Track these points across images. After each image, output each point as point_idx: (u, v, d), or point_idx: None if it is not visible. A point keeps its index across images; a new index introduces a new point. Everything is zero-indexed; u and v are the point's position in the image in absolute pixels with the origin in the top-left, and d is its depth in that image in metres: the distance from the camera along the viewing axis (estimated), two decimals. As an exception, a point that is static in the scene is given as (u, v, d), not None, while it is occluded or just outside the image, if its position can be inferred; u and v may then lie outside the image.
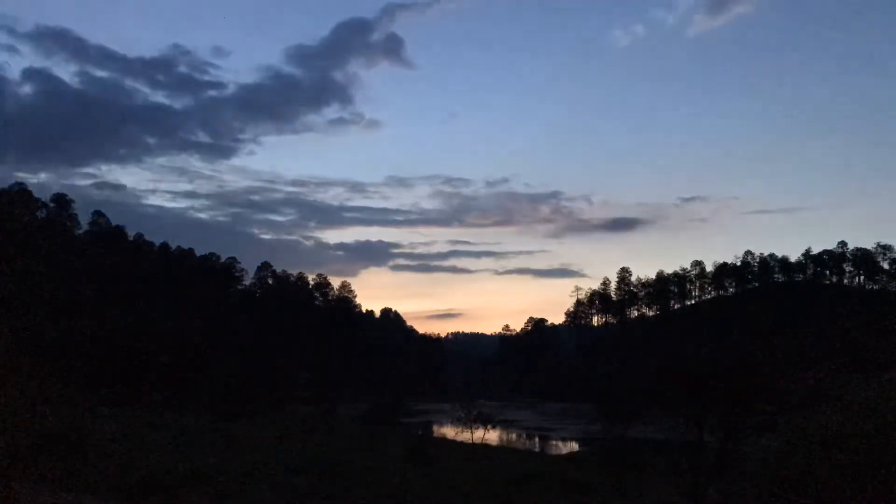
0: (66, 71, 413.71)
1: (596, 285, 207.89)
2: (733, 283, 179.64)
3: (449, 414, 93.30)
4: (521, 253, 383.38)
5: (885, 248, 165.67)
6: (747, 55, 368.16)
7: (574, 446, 73.43)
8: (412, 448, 37.71)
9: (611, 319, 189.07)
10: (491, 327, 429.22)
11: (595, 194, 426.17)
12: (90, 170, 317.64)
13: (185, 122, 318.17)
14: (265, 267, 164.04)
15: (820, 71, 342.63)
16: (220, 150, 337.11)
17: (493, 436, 74.01)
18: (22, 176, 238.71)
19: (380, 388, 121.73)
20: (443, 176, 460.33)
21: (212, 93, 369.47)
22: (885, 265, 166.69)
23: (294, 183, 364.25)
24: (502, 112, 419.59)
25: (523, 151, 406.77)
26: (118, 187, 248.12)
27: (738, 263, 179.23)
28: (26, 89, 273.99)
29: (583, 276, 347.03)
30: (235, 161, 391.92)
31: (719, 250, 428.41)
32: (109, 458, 18.82)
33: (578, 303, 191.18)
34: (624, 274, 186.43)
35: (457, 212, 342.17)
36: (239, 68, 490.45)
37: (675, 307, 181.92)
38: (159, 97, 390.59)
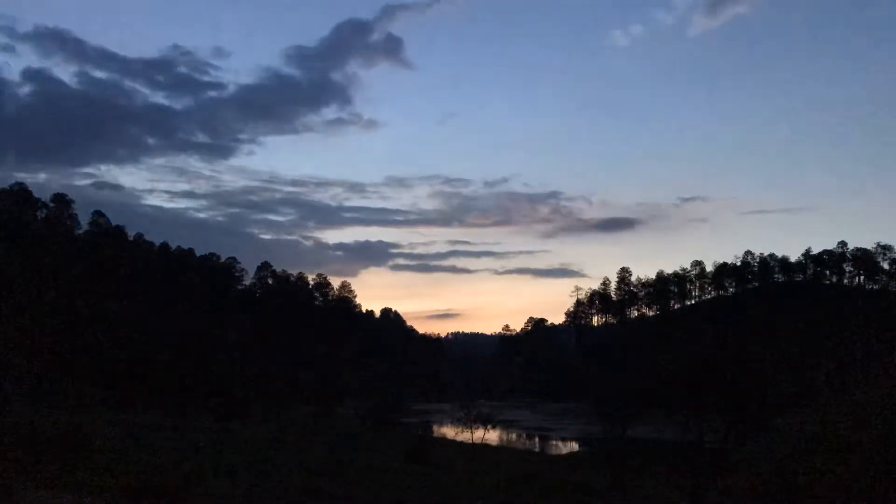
0: (65, 71, 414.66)
1: (596, 285, 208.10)
2: (733, 283, 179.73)
3: (449, 414, 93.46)
4: (520, 253, 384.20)
5: (885, 248, 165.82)
6: (747, 55, 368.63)
7: (574, 446, 73.45)
8: (412, 448, 37.70)
9: (611, 319, 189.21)
10: (491, 327, 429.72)
11: (595, 194, 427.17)
12: (89, 170, 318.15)
13: (184, 122, 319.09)
14: (265, 267, 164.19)
15: (819, 71, 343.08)
16: (219, 150, 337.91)
17: (493, 436, 74.04)
18: (21, 176, 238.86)
19: (380, 389, 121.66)
20: (442, 176, 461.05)
21: (211, 93, 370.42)
22: (885, 265, 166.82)
23: (293, 183, 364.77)
24: (501, 112, 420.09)
25: (523, 151, 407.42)
26: (117, 187, 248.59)
27: (738, 263, 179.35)
28: (26, 90, 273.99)
29: (583, 276, 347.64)
30: (235, 161, 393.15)
31: (719, 250, 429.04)
32: (110, 458, 18.82)
33: (578, 303, 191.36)
34: (624, 274, 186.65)
35: (456, 212, 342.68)
36: (238, 69, 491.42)
37: (675, 307, 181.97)
38: (158, 98, 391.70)
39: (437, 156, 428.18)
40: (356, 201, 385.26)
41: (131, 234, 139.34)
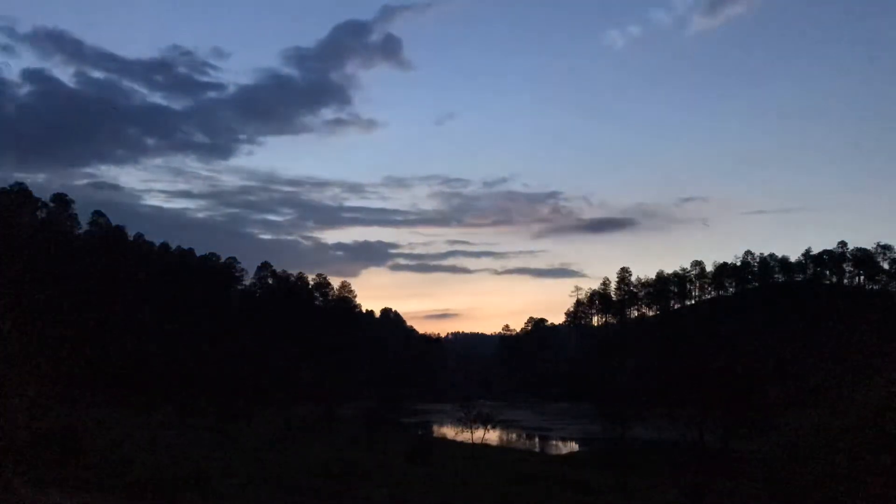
0: (64, 72, 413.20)
1: (596, 285, 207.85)
2: (733, 283, 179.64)
3: (449, 414, 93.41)
4: (520, 253, 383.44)
5: (885, 248, 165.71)
6: (746, 55, 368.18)
7: (574, 446, 73.42)
8: (412, 448, 37.75)
9: (611, 319, 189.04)
10: (491, 327, 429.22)
11: (594, 194, 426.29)
12: (88, 170, 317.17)
13: (183, 122, 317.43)
14: (265, 267, 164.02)
15: (819, 70, 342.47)
16: (218, 150, 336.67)
17: (493, 436, 74.02)
18: (20, 176, 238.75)
19: (380, 389, 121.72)
20: (441, 176, 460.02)
21: (210, 94, 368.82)
22: (885, 265, 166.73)
23: (292, 183, 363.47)
24: (500, 112, 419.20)
25: (522, 152, 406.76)
26: (116, 188, 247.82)
27: (738, 263, 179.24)
28: (25, 90, 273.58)
29: (583, 276, 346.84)
30: (234, 161, 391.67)
31: (719, 250, 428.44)
32: (109, 458, 18.83)
33: (578, 303, 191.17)
34: (624, 274, 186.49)
35: (456, 212, 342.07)
36: (237, 70, 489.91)
37: (675, 307, 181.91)
38: (157, 98, 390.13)
39: (436, 156, 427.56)
40: (355, 201, 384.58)
41: (131, 234, 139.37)
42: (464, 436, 67.59)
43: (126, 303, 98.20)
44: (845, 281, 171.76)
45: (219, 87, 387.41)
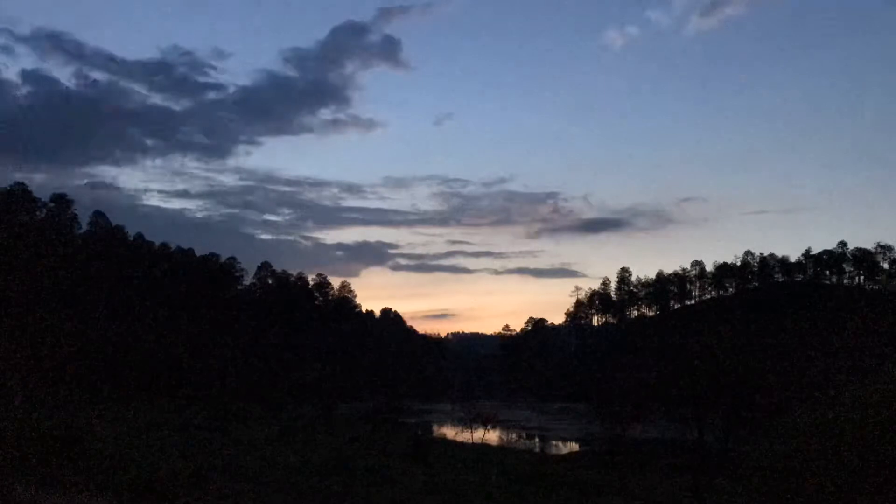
0: (64, 73, 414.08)
1: (596, 285, 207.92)
2: (733, 283, 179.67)
3: (449, 414, 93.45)
4: (520, 253, 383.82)
5: (885, 248, 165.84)
6: (746, 55, 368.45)
7: (574, 446, 73.40)
8: (412, 448, 37.74)
9: (611, 319, 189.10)
10: (491, 327, 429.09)
11: (594, 194, 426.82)
12: (87, 171, 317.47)
13: (182, 123, 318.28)
14: (265, 267, 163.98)
15: (819, 70, 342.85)
16: (217, 150, 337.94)
17: (493, 436, 74.02)
18: (19, 177, 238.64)
19: (380, 388, 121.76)
20: (440, 177, 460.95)
21: (210, 94, 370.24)
22: (885, 265, 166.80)
23: (292, 183, 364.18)
24: (499, 113, 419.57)
25: (521, 152, 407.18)
26: (114, 188, 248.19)
27: (738, 263, 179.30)
28: (25, 91, 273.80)
29: (583, 276, 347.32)
30: (233, 162, 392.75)
31: (719, 250, 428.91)
32: (109, 458, 18.82)
33: (578, 303, 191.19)
34: (624, 274, 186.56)
35: (455, 212, 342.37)
36: (236, 71, 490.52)
37: (675, 307, 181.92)
38: (157, 99, 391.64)
39: (435, 156, 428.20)
40: (355, 201, 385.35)
41: (131, 234, 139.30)
42: (464, 436, 67.60)
43: (126, 303, 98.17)
44: (845, 281, 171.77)
45: (218, 87, 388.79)
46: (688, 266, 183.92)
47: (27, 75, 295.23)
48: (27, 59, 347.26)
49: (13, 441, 16.25)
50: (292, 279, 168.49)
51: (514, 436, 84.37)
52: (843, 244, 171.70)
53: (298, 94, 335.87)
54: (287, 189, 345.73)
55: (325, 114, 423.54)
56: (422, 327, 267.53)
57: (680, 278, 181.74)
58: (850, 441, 11.26)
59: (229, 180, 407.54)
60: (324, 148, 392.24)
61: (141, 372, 63.73)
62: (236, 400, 68.49)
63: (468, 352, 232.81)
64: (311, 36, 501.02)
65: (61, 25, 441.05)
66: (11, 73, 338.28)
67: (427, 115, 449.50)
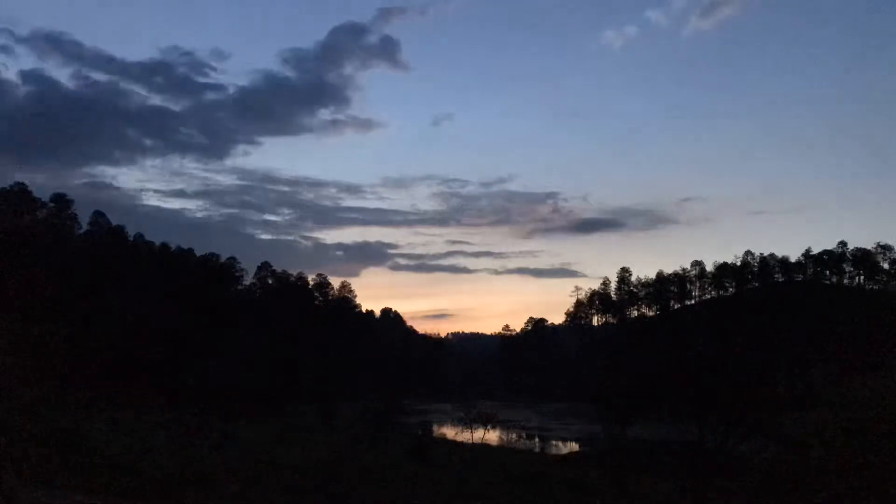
0: (63, 73, 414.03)
1: (596, 285, 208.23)
2: (733, 283, 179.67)
3: (449, 414, 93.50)
4: (520, 253, 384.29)
5: (885, 248, 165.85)
6: (745, 55, 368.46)
7: (574, 446, 73.43)
8: (412, 448, 37.76)
9: (611, 319, 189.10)
10: (491, 327, 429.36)
11: (594, 194, 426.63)
12: (87, 171, 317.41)
13: (181, 123, 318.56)
14: (265, 267, 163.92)
15: (819, 70, 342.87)
16: (216, 151, 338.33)
17: (493, 436, 74.06)
18: (19, 177, 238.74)
19: (380, 389, 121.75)
20: (439, 177, 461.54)
21: (209, 95, 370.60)
22: (885, 265, 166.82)
23: (291, 184, 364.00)
24: (498, 113, 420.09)
25: (520, 152, 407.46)
26: (114, 188, 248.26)
27: (738, 263, 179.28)
28: (24, 91, 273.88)
29: (583, 276, 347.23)
30: (232, 162, 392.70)
31: (719, 250, 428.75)
32: (109, 458, 18.81)
33: (578, 303, 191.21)
34: (624, 274, 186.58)
35: (455, 212, 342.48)
36: (236, 71, 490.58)
37: (675, 307, 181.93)
38: (156, 99, 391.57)
39: (435, 156, 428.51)
40: (354, 202, 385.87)
41: (131, 234, 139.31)
42: (464, 436, 67.62)
43: (126, 303, 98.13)
44: (845, 281, 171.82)
45: (218, 88, 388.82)
46: (688, 266, 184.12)
47: (26, 76, 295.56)
48: (26, 60, 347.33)
49: (13, 441, 16.25)
50: (292, 279, 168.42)
51: (514, 436, 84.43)
52: (843, 244, 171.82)
53: (297, 94, 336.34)
54: (286, 189, 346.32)
55: (325, 114, 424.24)
56: (422, 327, 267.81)
57: (680, 278, 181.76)
58: (852, 441, 11.27)
59: (228, 180, 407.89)
60: (323, 148, 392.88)
61: (141, 372, 63.70)
62: (236, 400, 68.52)
63: (468, 352, 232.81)
64: (310, 36, 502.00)
65: (61, 26, 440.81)
66: (11, 74, 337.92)
67: (426, 115, 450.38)
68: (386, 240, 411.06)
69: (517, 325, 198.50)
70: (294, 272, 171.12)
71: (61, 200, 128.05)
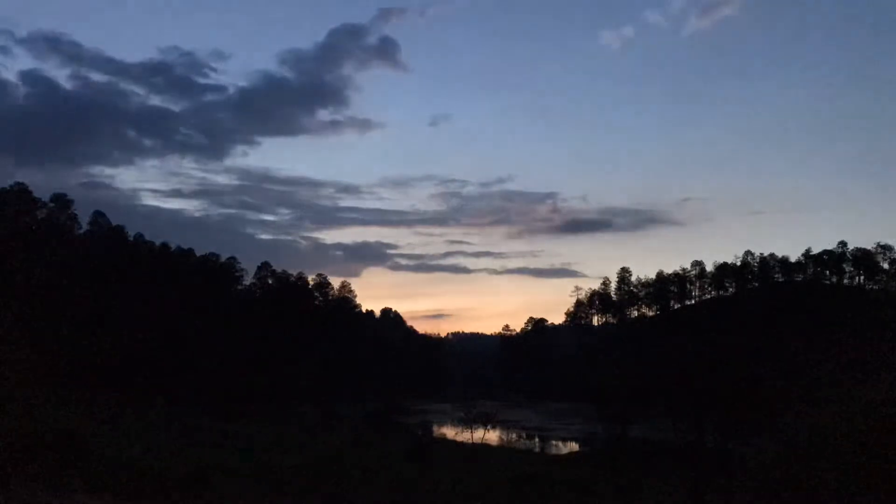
0: (62, 74, 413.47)
1: (596, 285, 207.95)
2: (733, 283, 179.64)
3: (449, 414, 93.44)
4: (520, 253, 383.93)
5: (885, 248, 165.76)
6: (745, 55, 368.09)
7: (574, 446, 73.39)
8: (412, 448, 37.77)
9: (611, 319, 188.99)
10: (491, 327, 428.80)
11: (594, 194, 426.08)
12: (86, 171, 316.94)
13: (181, 124, 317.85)
14: (265, 267, 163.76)
15: (818, 70, 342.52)
16: (215, 151, 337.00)
17: (493, 436, 74.05)
18: (19, 177, 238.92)
19: (380, 389, 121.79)
20: (438, 177, 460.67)
21: (208, 96, 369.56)
22: (885, 265, 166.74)
23: (291, 184, 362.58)
24: (497, 113, 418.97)
25: (519, 152, 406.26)
26: (113, 188, 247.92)
27: (738, 263, 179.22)
28: (23, 92, 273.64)
29: (583, 276, 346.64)
30: (231, 162, 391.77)
31: (719, 250, 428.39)
32: (110, 458, 18.83)
33: (578, 303, 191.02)
34: (624, 274, 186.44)
35: (454, 212, 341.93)
36: (235, 72, 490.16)
37: (675, 307, 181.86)
38: (155, 100, 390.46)
39: (434, 157, 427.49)
40: (353, 202, 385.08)
41: (130, 234, 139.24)
42: (464, 436, 67.63)
43: (126, 303, 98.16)
44: (845, 281, 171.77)
45: (217, 88, 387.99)
46: (688, 266, 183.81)
47: (26, 76, 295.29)
48: (26, 61, 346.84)
49: (16, 442, 16.26)
50: (292, 279, 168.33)
51: (513, 436, 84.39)
52: (843, 244, 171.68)
53: (297, 95, 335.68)
54: (286, 189, 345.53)
55: (324, 114, 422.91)
56: (422, 327, 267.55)
57: (680, 278, 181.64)
58: (852, 441, 11.27)
59: (228, 180, 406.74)
60: (322, 148, 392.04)
61: (141, 372, 63.74)
62: (236, 400, 68.54)
63: (468, 352, 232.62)
64: (309, 37, 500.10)
65: (60, 27, 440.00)
66: (10, 74, 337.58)
67: (425, 115, 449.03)
68: (386, 240, 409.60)
69: (517, 325, 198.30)
70: (294, 272, 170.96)
71: (61, 200, 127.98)
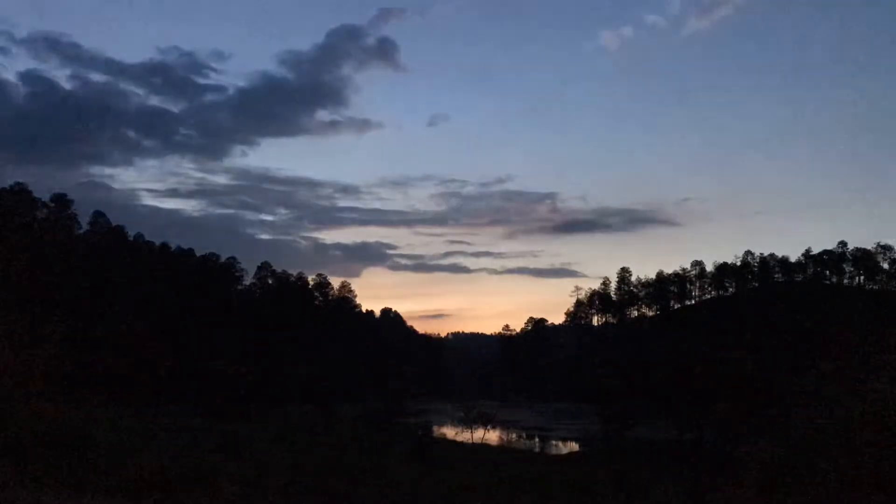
0: (61, 74, 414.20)
1: (596, 285, 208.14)
2: (733, 283, 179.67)
3: (449, 414, 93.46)
4: (519, 253, 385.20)
5: (885, 248, 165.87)
6: (744, 55, 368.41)
7: (574, 446, 73.40)
8: (412, 448, 37.78)
9: (611, 319, 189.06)
10: (491, 327, 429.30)
11: (593, 194, 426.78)
12: (86, 171, 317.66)
13: (180, 124, 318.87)
14: (265, 267, 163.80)
15: (820, 70, 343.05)
16: (215, 151, 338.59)
17: (493, 436, 74.10)
18: (19, 177, 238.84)
19: (380, 389, 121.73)
20: (438, 177, 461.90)
21: (207, 96, 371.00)
22: (885, 265, 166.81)
23: (290, 184, 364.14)
24: (496, 113, 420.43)
25: (519, 152, 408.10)
26: (111, 188, 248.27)
27: (738, 263, 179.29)
28: (23, 92, 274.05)
29: (582, 276, 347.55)
30: (230, 163, 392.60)
31: (719, 250, 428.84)
32: (109, 458, 18.82)
33: (578, 303, 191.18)
34: (624, 274, 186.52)
35: (454, 212, 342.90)
36: (234, 72, 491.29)
37: (675, 307, 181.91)
38: (155, 100, 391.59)
39: (433, 157, 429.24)
40: (353, 202, 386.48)
41: (130, 234, 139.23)
42: (464, 436, 67.69)
43: (127, 303, 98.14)
44: (845, 281, 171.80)
45: (216, 89, 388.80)
46: (688, 266, 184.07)
47: (25, 76, 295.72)
48: (25, 61, 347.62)
49: (15, 442, 16.26)
50: (292, 279, 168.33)
51: (513, 436, 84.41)
52: (843, 244, 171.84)
53: (296, 95, 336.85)
54: (285, 189, 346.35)
55: (323, 115, 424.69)
56: (422, 327, 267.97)
57: (680, 278, 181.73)
58: (851, 440, 11.28)
59: (227, 181, 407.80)
60: (321, 149, 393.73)
61: (140, 372, 63.69)
62: (236, 400, 68.52)
63: (468, 352, 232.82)
64: (308, 38, 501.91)
65: (59, 27, 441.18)
66: (10, 75, 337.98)
67: (424, 115, 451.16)
68: (385, 240, 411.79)
69: (517, 325, 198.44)
70: (294, 272, 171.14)
71: (61, 200, 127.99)
